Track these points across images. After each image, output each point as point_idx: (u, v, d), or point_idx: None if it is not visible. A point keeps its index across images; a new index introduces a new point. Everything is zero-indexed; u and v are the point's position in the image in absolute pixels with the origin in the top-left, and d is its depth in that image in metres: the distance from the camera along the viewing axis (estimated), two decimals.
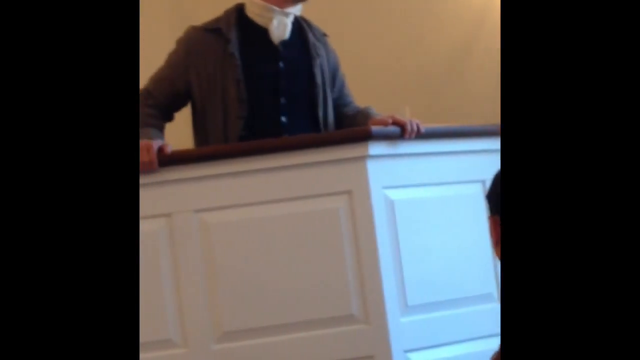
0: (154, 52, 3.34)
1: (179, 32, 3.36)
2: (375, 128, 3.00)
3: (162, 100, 3.28)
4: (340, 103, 3.43)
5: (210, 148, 3.14)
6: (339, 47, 3.51)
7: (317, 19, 3.54)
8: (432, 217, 3.10)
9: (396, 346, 2.93)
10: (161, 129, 3.26)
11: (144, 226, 2.91)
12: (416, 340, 2.99)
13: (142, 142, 2.96)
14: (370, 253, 2.94)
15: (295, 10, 3.32)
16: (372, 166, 2.98)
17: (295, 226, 2.95)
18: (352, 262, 2.93)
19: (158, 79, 3.31)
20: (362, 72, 4.98)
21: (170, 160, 2.95)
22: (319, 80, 3.31)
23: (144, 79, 3.27)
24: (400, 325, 2.95)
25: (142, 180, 2.91)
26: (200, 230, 2.94)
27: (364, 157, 2.97)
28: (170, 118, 3.36)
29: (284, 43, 3.30)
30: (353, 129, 3.10)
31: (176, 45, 3.33)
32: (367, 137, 2.96)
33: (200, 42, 3.26)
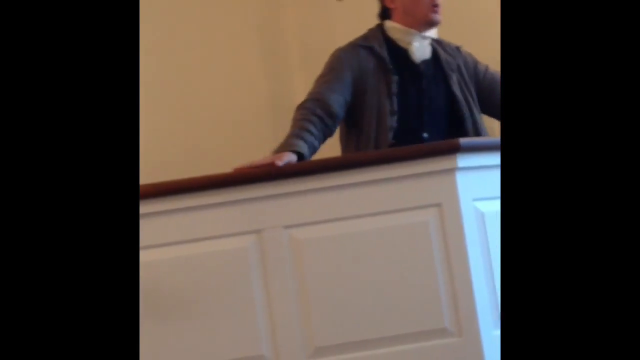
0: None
1: None
2: (463, 140, 2.98)
3: (335, 110, 3.36)
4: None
5: (297, 165, 3.15)
6: None
7: None
8: None
9: (490, 359, 2.90)
10: (318, 139, 3.29)
11: (235, 243, 2.95)
12: None
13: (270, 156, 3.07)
14: (461, 265, 2.91)
15: (432, 33, 3.61)
16: (461, 178, 2.96)
17: (385, 240, 2.94)
18: (444, 275, 2.91)
19: (327, 88, 3.39)
20: None
21: (257, 177, 2.97)
22: (459, 96, 3.51)
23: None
24: (494, 338, 2.91)
25: (232, 197, 2.94)
26: (290, 246, 2.94)
27: (453, 170, 2.95)
28: (332, 131, 3.41)
29: (424, 62, 3.52)
30: (440, 142, 3.08)
31: (334, 59, 3.49)
32: (455, 149, 2.95)
33: (357, 57, 3.47)
